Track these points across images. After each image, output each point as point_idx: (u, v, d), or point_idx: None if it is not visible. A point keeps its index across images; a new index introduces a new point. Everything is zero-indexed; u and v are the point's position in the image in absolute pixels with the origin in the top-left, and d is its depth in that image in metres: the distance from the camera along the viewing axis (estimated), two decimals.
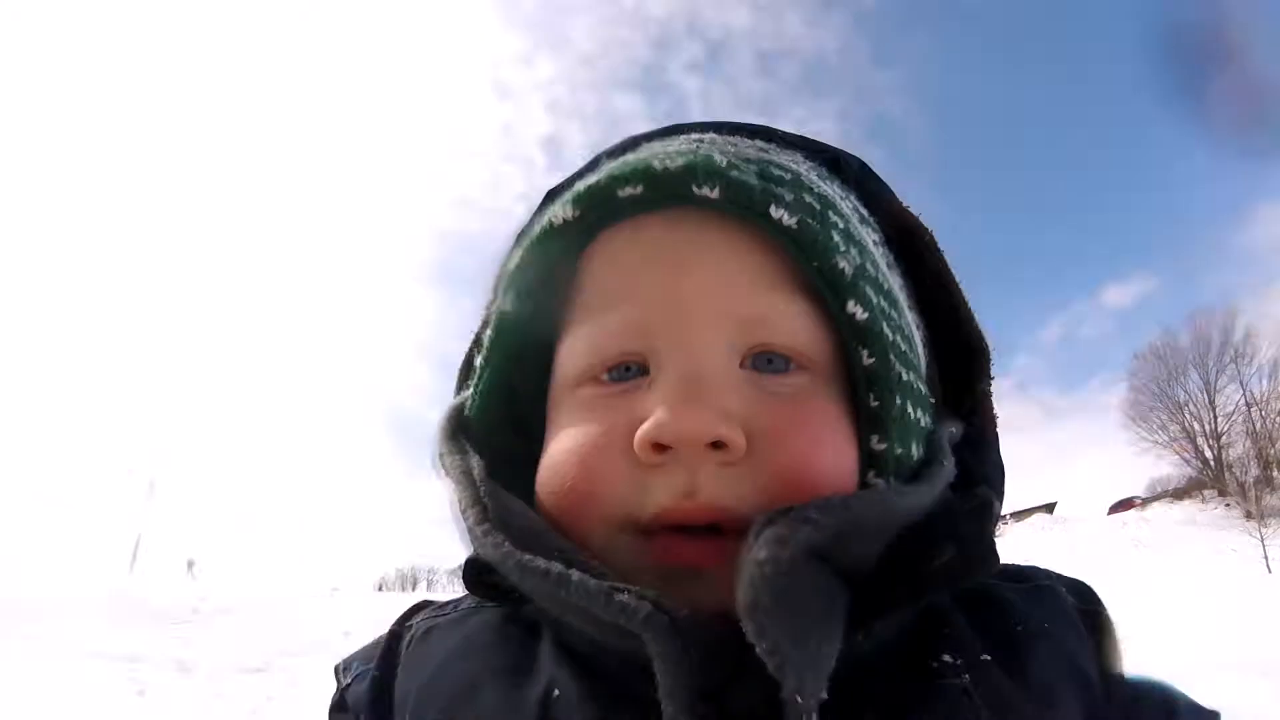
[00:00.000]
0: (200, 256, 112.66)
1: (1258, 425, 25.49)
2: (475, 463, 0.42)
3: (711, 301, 0.38)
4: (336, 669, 0.50)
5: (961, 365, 0.46)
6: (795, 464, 0.36)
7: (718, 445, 0.35)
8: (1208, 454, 26.63)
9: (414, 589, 43.73)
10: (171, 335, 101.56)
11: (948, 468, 0.40)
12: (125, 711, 5.48)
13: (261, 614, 10.50)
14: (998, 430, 0.47)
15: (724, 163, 0.38)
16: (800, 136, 0.48)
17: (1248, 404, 26.51)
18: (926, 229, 0.46)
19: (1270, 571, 14.13)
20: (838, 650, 0.31)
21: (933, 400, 0.43)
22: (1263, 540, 15.71)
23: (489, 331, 0.44)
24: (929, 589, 0.37)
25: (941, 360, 0.46)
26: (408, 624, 0.49)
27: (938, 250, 0.46)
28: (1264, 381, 26.40)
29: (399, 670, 0.45)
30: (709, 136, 0.45)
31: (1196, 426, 27.95)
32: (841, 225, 0.40)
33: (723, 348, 0.38)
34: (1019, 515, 40.65)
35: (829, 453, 0.37)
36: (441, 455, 0.44)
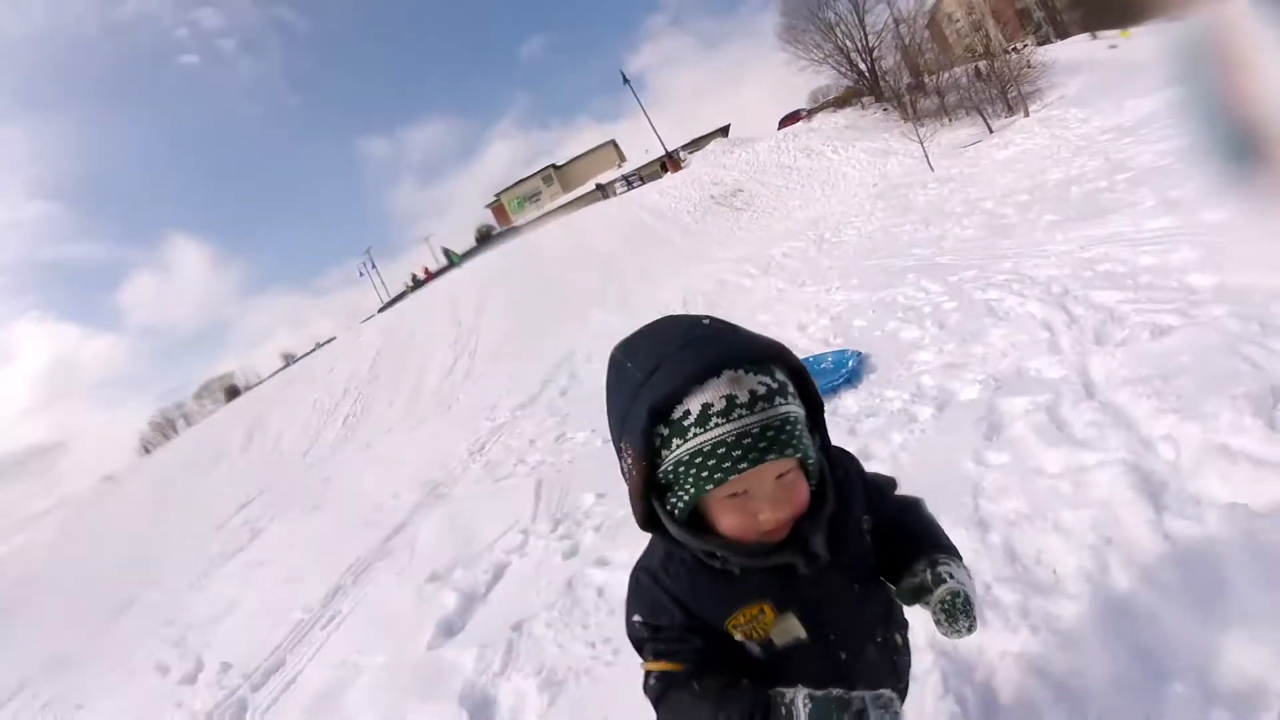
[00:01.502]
0: None
1: (906, 40, 27.60)
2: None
3: None
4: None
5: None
6: (798, 509, 0.82)
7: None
8: (862, 67, 28.65)
9: None
10: None
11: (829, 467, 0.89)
12: None
13: None
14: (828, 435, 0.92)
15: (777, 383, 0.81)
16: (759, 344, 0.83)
17: (895, 21, 28.52)
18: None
19: (933, 170, 14.70)
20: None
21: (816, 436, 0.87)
22: (921, 142, 16.32)
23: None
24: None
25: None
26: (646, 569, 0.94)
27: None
28: (909, 2, 28.08)
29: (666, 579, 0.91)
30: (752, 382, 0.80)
31: (849, 44, 30.01)
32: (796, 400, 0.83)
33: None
34: (697, 143, 42.04)
35: (804, 497, 0.83)
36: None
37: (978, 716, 1.47)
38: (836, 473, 0.91)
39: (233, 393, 40.84)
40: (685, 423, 0.77)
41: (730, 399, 0.76)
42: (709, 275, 13.12)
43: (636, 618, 0.93)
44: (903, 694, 1.04)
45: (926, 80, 25.03)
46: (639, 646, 0.93)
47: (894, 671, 1.02)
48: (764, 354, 0.81)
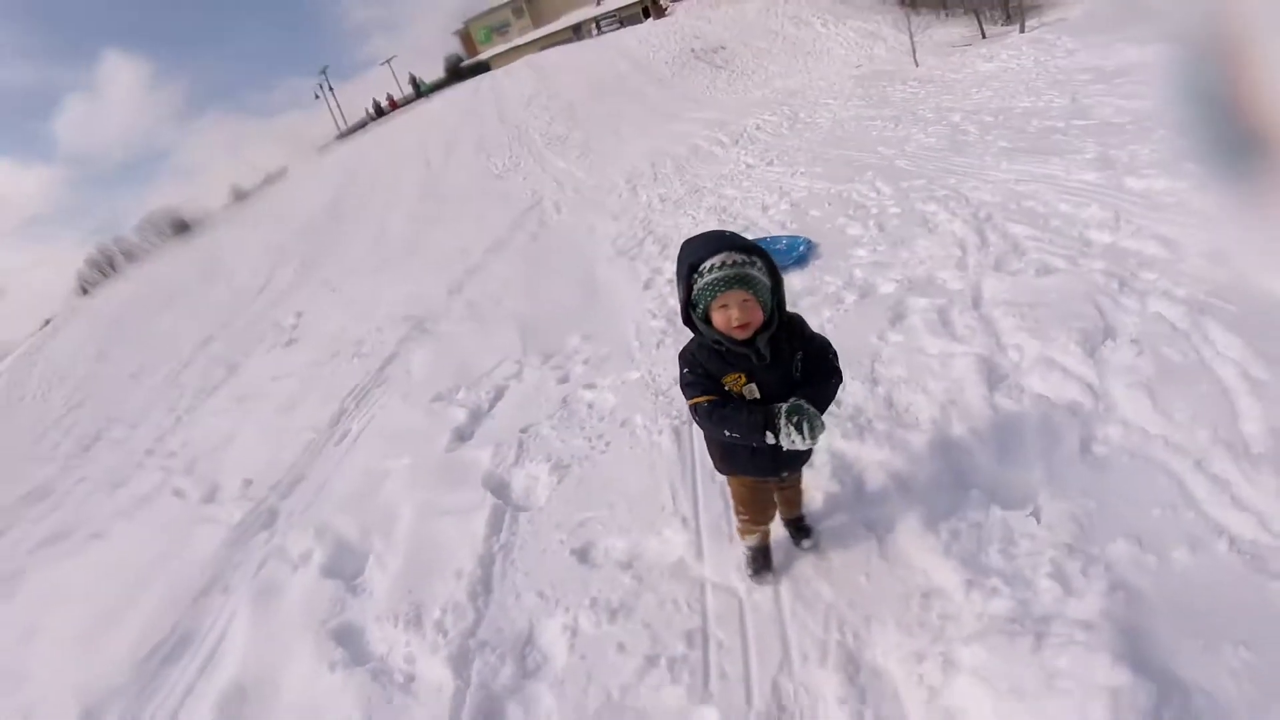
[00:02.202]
0: None
1: None
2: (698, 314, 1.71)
3: None
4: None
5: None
6: (753, 321, 1.65)
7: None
8: None
9: None
10: None
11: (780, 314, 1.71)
12: None
13: None
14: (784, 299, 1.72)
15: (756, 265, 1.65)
16: (736, 240, 1.67)
17: None
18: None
19: (917, 65, 14.81)
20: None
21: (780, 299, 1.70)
22: (911, 35, 16.33)
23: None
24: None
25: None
26: (688, 349, 1.79)
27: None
28: None
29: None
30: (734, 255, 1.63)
31: None
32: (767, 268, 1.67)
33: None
34: None
35: (758, 316, 1.65)
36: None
37: (851, 492, 2.40)
38: (784, 318, 1.72)
39: (180, 227, 38.34)
40: (704, 268, 1.63)
41: (724, 262, 1.61)
42: (680, 137, 13.36)
43: (685, 371, 1.75)
44: (802, 456, 1.97)
45: None
46: (688, 390, 1.74)
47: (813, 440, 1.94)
48: (746, 246, 1.66)
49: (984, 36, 18.03)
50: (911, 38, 16.63)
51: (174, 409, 8.52)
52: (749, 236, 1.75)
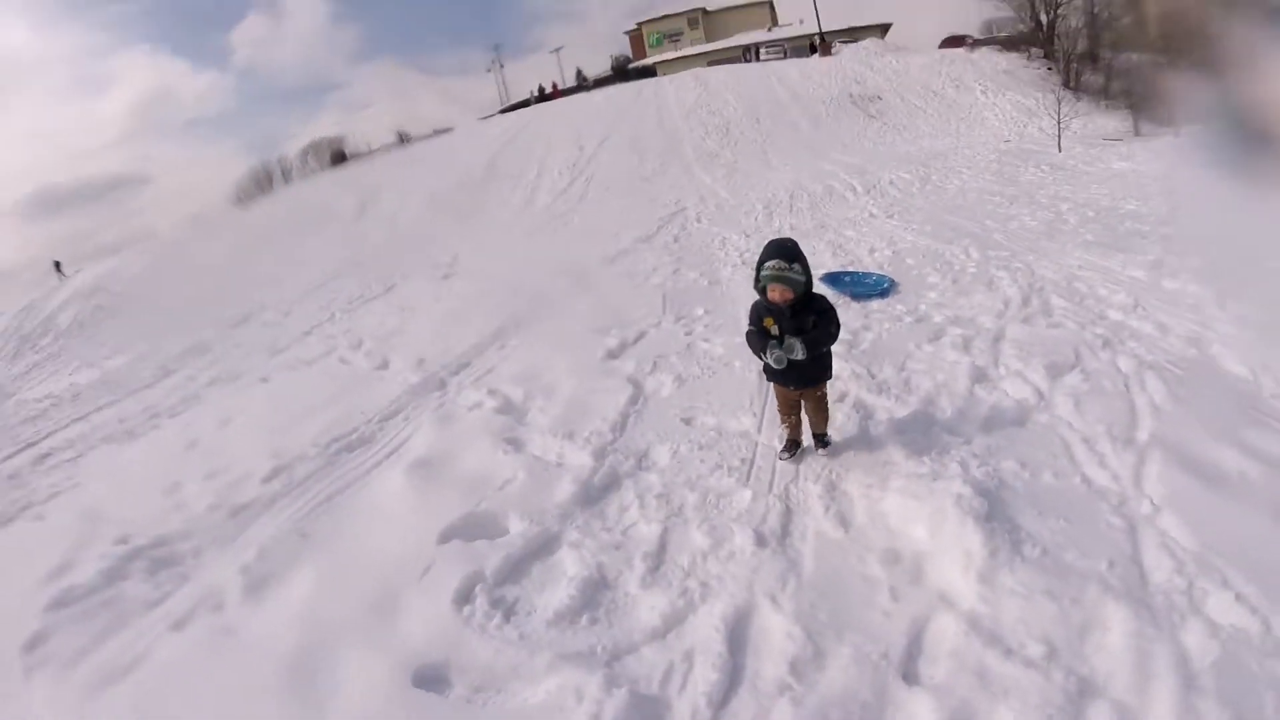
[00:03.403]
0: None
1: (1096, 9, 26.15)
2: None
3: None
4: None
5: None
6: (785, 298, 3.11)
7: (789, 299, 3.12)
8: (1042, 18, 27.52)
9: None
10: None
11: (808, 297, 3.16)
12: None
13: None
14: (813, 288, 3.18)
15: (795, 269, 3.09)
16: (788, 250, 3.15)
17: None
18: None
19: (1059, 151, 15.45)
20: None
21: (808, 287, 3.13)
22: (1059, 121, 16.93)
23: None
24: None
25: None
26: (754, 304, 3.31)
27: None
28: None
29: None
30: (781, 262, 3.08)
31: None
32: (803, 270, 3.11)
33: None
34: (852, 34, 40.65)
35: (789, 296, 3.10)
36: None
37: (862, 418, 3.86)
38: (809, 297, 3.11)
39: (339, 158, 40.75)
40: (764, 266, 3.06)
41: (775, 265, 3.03)
42: (821, 176, 14.85)
43: (749, 316, 3.25)
44: (822, 364, 3.30)
45: (1103, 55, 24.34)
46: (749, 322, 3.26)
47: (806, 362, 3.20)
48: (793, 254, 3.06)
49: (1137, 134, 18.36)
50: (1059, 124, 17.30)
51: (327, 308, 10.52)
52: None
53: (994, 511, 2.82)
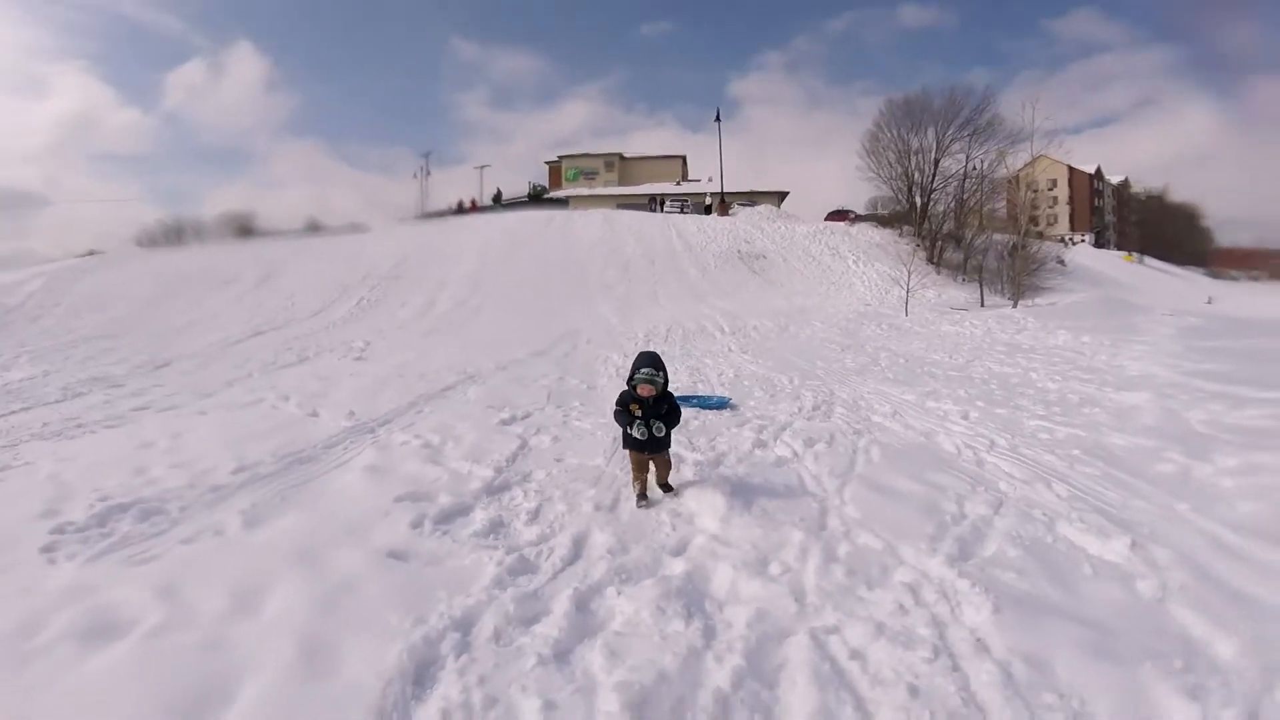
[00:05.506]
0: None
1: (966, 196, 32.64)
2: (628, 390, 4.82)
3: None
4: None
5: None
6: (650, 394, 4.79)
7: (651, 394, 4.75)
8: (917, 201, 33.87)
9: None
10: None
11: (664, 393, 4.84)
12: None
13: None
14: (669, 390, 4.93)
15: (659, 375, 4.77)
16: (656, 360, 4.87)
17: (965, 175, 33.57)
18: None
19: (906, 315, 19.33)
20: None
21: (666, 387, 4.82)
22: (907, 290, 21.14)
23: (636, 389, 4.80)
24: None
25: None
26: (621, 394, 4.95)
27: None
28: (983, 164, 32.97)
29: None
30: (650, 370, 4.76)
31: (917, 176, 36.06)
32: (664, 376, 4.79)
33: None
34: (751, 197, 47.62)
35: (652, 392, 4.80)
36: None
37: (677, 464, 6.13)
38: (664, 393, 4.80)
39: (244, 231, 42.81)
40: (639, 370, 4.74)
41: (647, 371, 4.72)
42: (698, 317, 18.05)
43: (618, 399, 4.89)
44: (668, 438, 4.95)
45: (964, 235, 30.30)
46: (616, 405, 4.92)
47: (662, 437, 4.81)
48: (659, 364, 4.80)
49: (983, 305, 22.99)
50: (907, 292, 21.61)
51: (243, 367, 12.11)
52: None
53: (736, 493, 5.03)
